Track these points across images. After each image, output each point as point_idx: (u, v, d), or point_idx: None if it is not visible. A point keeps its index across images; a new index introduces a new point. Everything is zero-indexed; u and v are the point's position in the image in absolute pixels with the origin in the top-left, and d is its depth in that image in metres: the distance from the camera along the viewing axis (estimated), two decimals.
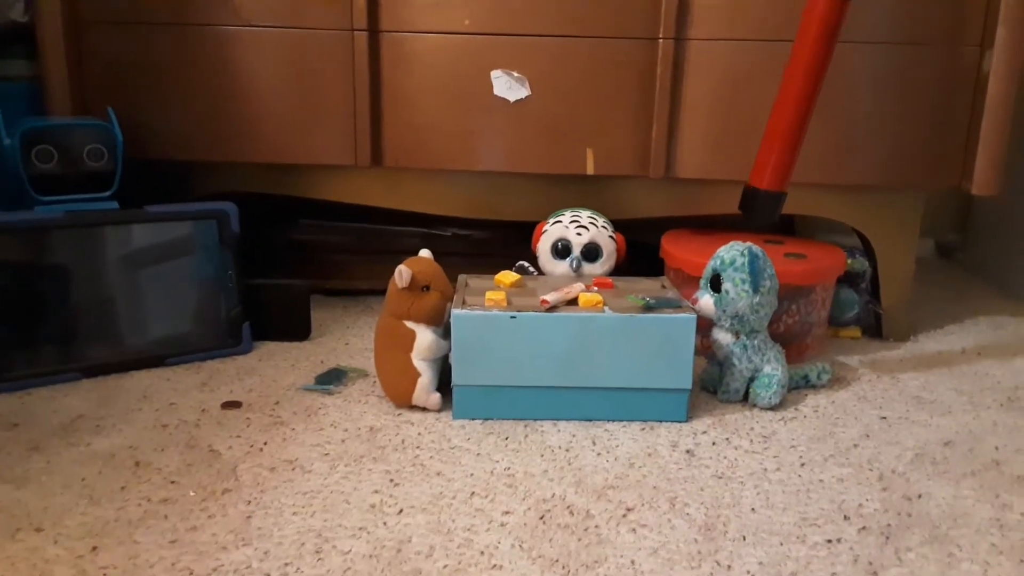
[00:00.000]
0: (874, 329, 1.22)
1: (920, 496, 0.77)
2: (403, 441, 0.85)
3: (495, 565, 0.65)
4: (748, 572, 0.65)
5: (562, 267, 1.06)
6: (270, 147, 1.13)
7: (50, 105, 1.09)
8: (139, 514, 0.70)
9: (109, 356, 0.99)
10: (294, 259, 1.37)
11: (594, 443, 0.85)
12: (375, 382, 0.99)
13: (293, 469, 0.78)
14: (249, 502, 0.72)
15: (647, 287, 0.98)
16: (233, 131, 1.12)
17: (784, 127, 0.94)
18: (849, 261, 1.16)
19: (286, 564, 0.64)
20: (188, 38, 1.09)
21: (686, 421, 0.91)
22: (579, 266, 1.05)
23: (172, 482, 0.76)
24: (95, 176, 0.99)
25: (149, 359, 1.01)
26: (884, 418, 0.94)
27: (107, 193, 0.99)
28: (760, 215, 0.98)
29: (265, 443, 0.83)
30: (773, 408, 0.95)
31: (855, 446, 0.86)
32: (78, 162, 0.98)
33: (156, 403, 0.92)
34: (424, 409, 0.92)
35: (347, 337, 1.14)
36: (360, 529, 0.69)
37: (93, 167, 0.99)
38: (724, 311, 0.93)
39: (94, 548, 0.65)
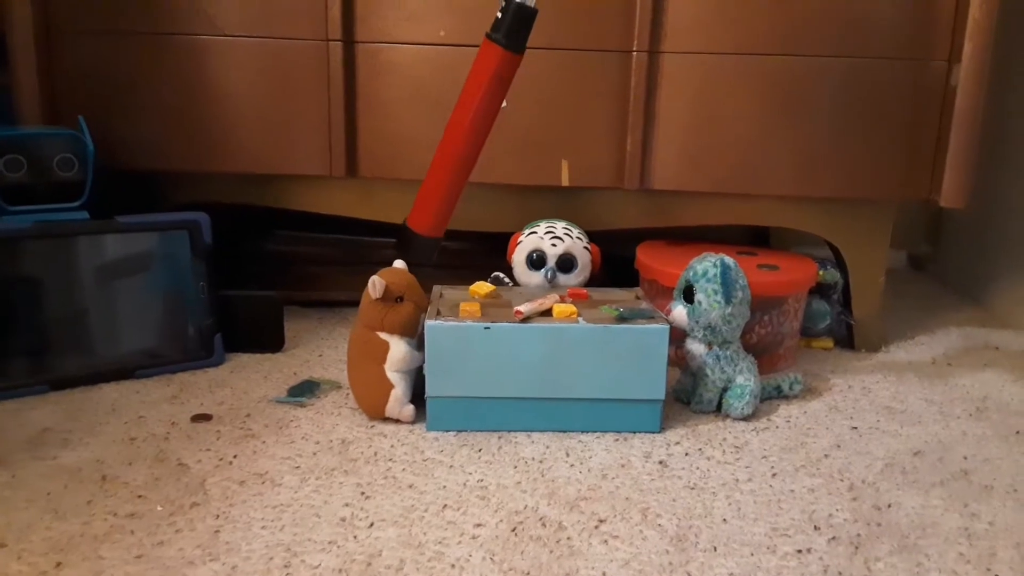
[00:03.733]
0: (846, 340, 1.23)
1: (890, 506, 0.77)
2: (375, 453, 0.84)
3: None
4: None
5: (537, 278, 1.06)
6: (244, 157, 1.12)
7: (20, 114, 1.07)
8: (105, 529, 0.69)
9: (78, 368, 0.98)
10: (268, 270, 1.36)
11: (567, 454, 0.85)
12: (348, 394, 0.98)
13: (263, 483, 0.78)
14: (217, 516, 0.72)
15: (621, 298, 0.98)
16: (206, 141, 1.12)
17: (444, 179, 0.95)
18: (821, 272, 1.17)
19: None
20: (161, 47, 1.09)
21: (659, 432, 0.91)
22: (554, 277, 1.05)
23: (139, 496, 0.74)
24: (65, 186, 0.98)
25: (119, 371, 1.00)
26: (855, 428, 0.94)
27: (77, 203, 0.98)
28: (416, 256, 0.99)
29: (235, 456, 0.82)
30: (746, 419, 0.95)
31: (826, 456, 0.87)
32: (48, 172, 0.97)
33: (125, 416, 0.91)
34: (397, 421, 0.91)
35: (321, 349, 1.14)
36: (330, 543, 0.68)
37: (63, 177, 0.98)
38: (697, 322, 0.94)
39: (58, 564, 0.64)
